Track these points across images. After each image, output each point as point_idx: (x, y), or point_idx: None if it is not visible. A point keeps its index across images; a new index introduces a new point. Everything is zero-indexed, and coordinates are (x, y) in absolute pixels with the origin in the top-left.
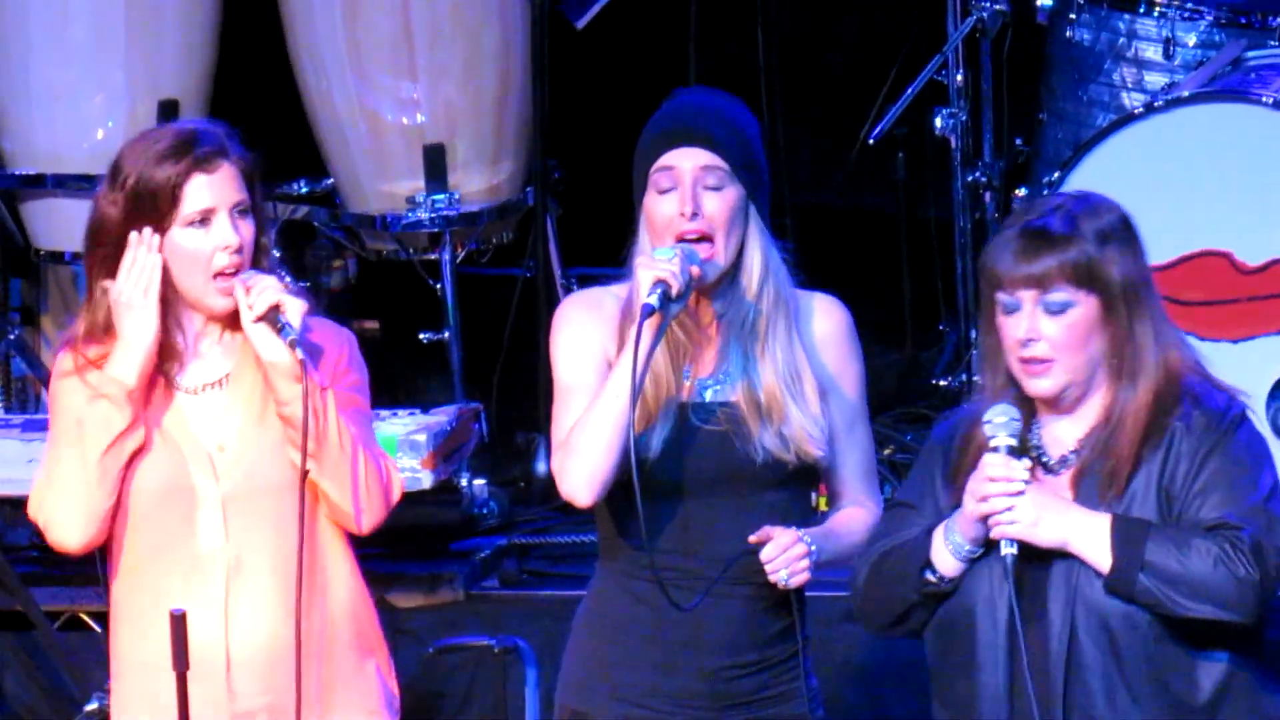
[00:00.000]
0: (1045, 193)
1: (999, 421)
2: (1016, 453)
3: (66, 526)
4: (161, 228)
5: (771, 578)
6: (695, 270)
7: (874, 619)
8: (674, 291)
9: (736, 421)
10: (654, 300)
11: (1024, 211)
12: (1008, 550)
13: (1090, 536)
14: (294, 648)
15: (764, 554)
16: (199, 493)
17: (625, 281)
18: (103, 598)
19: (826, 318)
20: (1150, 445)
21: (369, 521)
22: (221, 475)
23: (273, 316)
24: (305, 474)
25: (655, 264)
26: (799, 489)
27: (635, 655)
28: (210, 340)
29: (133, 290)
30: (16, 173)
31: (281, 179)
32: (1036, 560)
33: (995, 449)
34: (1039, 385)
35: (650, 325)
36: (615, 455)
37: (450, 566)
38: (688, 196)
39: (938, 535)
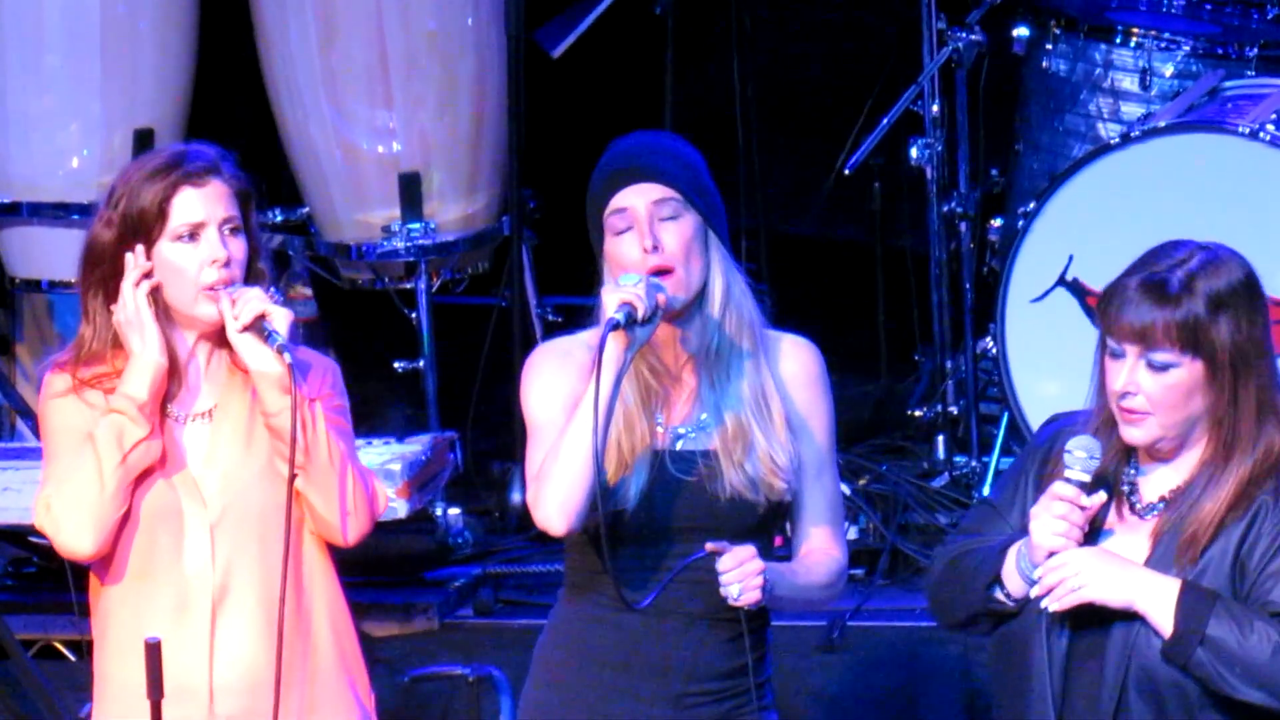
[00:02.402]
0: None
1: (1078, 455)
2: (1088, 488)
3: (79, 533)
4: (151, 244)
5: (723, 590)
6: (662, 297)
7: (945, 616)
8: (640, 314)
9: (714, 472)
10: (619, 316)
11: (1151, 258)
12: (1045, 604)
13: (1156, 600)
14: (278, 673)
15: (720, 564)
16: (186, 518)
17: (594, 328)
18: (77, 626)
19: (796, 358)
20: (1234, 514)
21: (354, 532)
22: (209, 502)
23: (259, 325)
24: (293, 477)
25: (620, 289)
26: (771, 536)
27: (599, 682)
28: (198, 365)
29: (122, 309)
30: None
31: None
32: (1099, 610)
33: (1068, 480)
34: (1131, 434)
35: (616, 340)
36: (588, 480)
37: (425, 596)
38: (645, 231)
39: (1011, 554)
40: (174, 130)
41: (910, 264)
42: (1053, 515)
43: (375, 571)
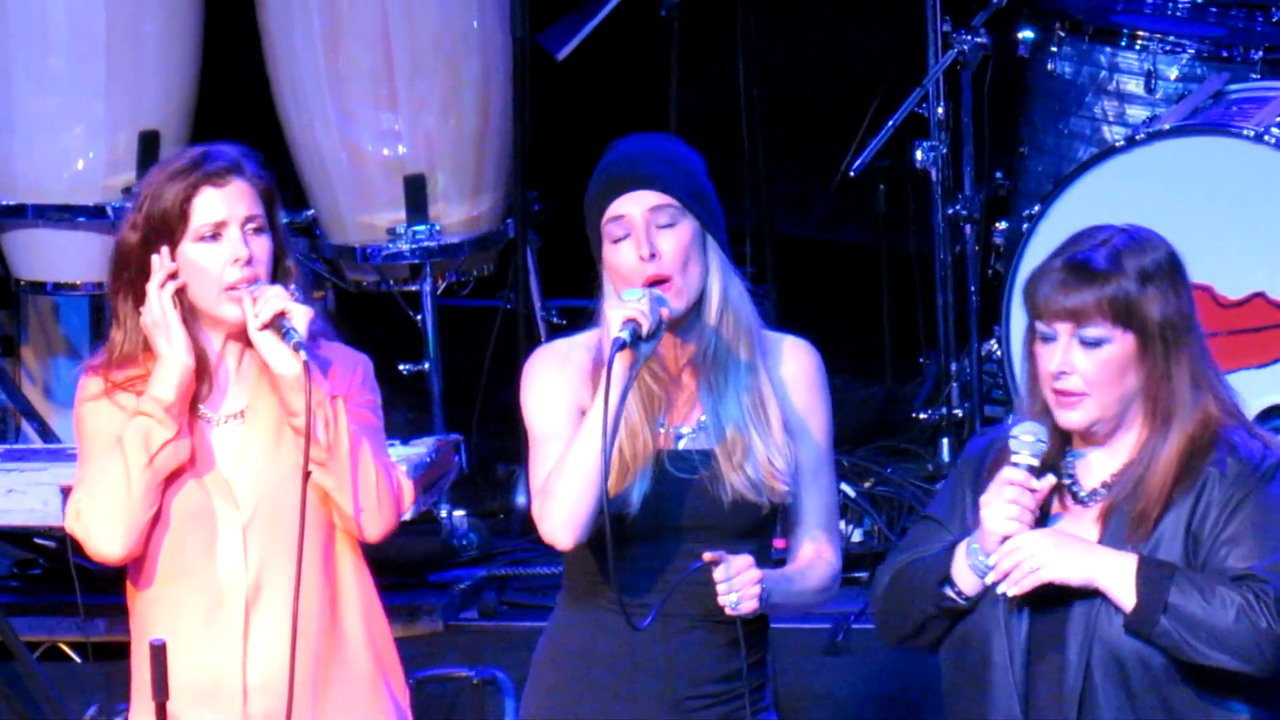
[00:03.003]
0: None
1: (1025, 440)
2: (1037, 472)
3: (109, 536)
4: (175, 245)
5: (720, 599)
6: (665, 311)
7: (892, 630)
8: (644, 330)
9: (715, 473)
10: (625, 334)
11: (1072, 242)
12: (1003, 589)
13: (1116, 574)
14: (312, 672)
15: (717, 574)
16: (219, 520)
17: (594, 329)
18: (83, 628)
19: (795, 360)
20: (1182, 488)
21: (378, 529)
22: (241, 503)
23: (278, 323)
24: (308, 474)
25: (625, 305)
26: (772, 536)
27: (599, 686)
28: (229, 366)
29: (149, 311)
30: None
31: None
32: (1058, 593)
33: (1016, 465)
34: (1069, 417)
35: (622, 360)
36: (594, 496)
37: (429, 598)
38: (643, 240)
39: (960, 551)
40: (179, 132)
41: (915, 266)
42: (1004, 500)
43: (380, 573)
